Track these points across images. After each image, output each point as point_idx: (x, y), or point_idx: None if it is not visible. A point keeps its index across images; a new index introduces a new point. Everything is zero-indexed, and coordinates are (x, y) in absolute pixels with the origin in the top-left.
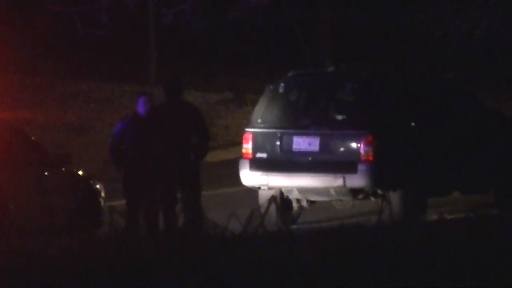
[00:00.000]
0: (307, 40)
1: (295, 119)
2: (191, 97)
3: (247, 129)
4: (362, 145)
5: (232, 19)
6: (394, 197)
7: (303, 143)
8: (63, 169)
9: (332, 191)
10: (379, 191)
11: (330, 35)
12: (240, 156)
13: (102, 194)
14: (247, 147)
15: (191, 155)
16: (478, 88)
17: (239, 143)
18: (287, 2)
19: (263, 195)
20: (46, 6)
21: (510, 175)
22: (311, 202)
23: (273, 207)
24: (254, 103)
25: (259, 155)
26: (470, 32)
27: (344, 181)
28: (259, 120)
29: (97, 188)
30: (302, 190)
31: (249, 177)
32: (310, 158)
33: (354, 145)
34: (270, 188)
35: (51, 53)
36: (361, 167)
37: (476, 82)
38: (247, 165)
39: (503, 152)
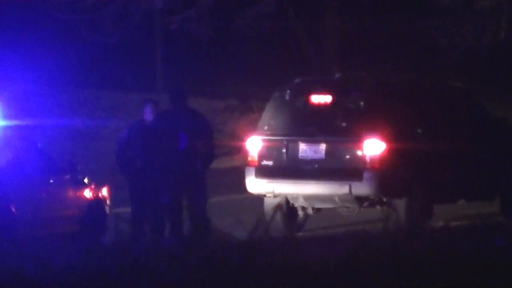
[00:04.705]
0: (314, 47)
1: (301, 126)
2: (198, 104)
3: (253, 136)
4: (368, 153)
5: (239, 26)
6: (400, 205)
7: (309, 151)
8: (69, 176)
9: (337, 199)
10: (385, 199)
11: (337, 42)
12: (246, 163)
13: (107, 201)
14: (253, 154)
15: (197, 162)
16: (484, 97)
17: (245, 151)
18: (294, 9)
19: (269, 203)
20: (53, 13)
21: None
22: (316, 210)
23: (278, 215)
24: (260, 110)
25: (264, 162)
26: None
27: (350, 189)
28: (265, 127)
29: (102, 195)
30: (307, 198)
31: (254, 184)
32: (316, 166)
33: (360, 152)
34: (275, 196)
35: (58, 60)
36: (366, 175)
37: (481, 90)
38: (253, 173)
39: (508, 160)
